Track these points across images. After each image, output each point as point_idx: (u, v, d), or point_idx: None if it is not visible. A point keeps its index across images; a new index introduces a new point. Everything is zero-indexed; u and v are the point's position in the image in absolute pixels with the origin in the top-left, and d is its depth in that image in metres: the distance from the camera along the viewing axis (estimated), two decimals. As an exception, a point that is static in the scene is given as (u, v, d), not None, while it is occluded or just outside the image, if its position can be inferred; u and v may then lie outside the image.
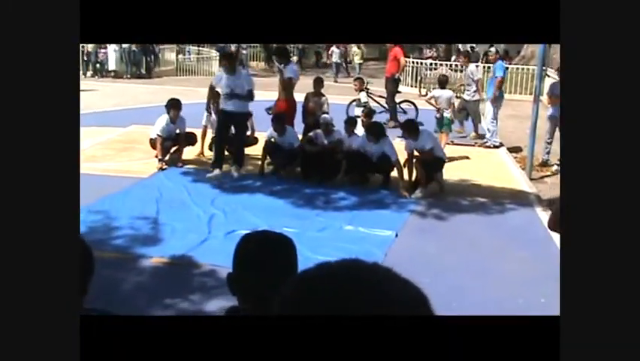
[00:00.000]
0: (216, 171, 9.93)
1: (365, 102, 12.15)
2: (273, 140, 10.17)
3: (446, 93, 12.53)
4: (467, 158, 11.93)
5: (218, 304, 5.30)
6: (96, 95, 18.28)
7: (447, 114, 12.15)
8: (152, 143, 10.60)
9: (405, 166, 9.55)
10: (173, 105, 10.46)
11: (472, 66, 13.71)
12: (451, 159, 10.93)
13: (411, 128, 9.65)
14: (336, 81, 25.03)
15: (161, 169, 10.18)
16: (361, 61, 26.48)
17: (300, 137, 10.67)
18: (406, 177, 9.50)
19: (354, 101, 14.78)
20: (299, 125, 11.00)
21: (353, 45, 27.00)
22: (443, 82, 12.98)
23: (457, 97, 13.95)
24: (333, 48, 27.32)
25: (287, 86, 10.68)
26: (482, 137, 13.27)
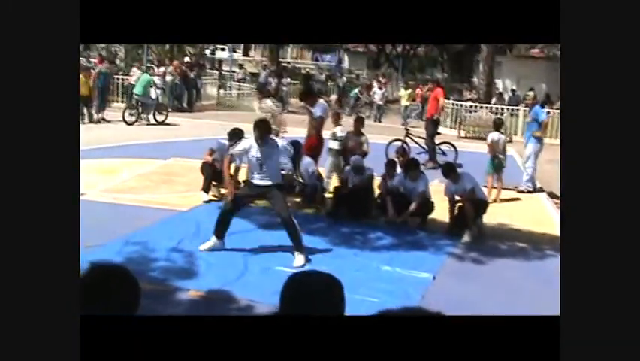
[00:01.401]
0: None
1: (340, 136, 11.81)
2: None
3: (502, 136, 12.65)
4: (508, 201, 11.82)
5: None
6: (138, 126, 18.55)
7: (501, 156, 12.11)
8: (203, 169, 10.63)
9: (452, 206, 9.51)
10: (236, 134, 10.58)
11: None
12: (492, 202, 10.83)
13: (450, 170, 9.63)
14: (379, 121, 25.09)
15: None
16: (408, 103, 25.23)
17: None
18: (440, 217, 9.44)
19: (393, 141, 14.82)
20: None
21: (401, 89, 26.30)
22: (499, 125, 12.99)
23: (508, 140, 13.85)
24: (376, 89, 27.01)
25: (317, 125, 10.86)
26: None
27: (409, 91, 25.65)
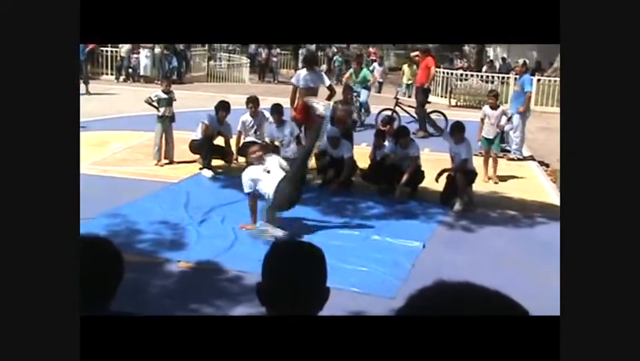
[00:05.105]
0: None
1: None
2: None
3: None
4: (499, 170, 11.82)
5: (243, 311, 5.27)
6: (128, 99, 18.42)
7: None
8: (193, 147, 10.63)
9: (439, 175, 9.47)
10: (223, 107, 10.63)
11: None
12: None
13: (460, 130, 9.48)
14: (379, 92, 24.76)
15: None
16: (410, 81, 22.97)
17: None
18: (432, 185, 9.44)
19: (383, 110, 14.77)
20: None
21: (404, 65, 25.03)
22: (498, 97, 12.85)
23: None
24: (375, 65, 26.34)
25: (315, 94, 10.62)
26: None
27: (413, 67, 22.70)
